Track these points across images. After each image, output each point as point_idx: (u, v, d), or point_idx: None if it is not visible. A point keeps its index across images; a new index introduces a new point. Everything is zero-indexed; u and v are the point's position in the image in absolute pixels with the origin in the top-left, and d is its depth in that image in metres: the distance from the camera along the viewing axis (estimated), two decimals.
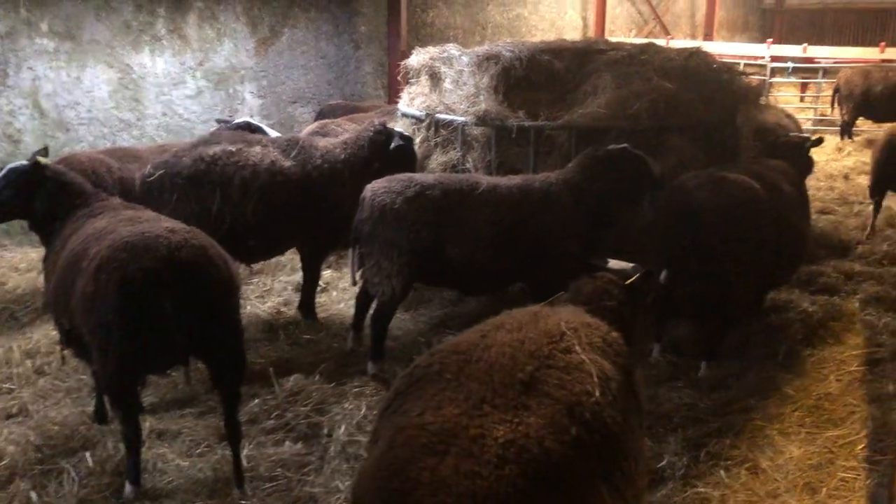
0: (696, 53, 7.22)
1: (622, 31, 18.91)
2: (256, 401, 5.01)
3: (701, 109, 6.52)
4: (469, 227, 5.38)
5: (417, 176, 5.63)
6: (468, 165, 6.61)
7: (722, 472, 4.31)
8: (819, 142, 6.82)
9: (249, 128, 7.13)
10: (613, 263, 3.76)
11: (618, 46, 7.46)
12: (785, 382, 5.30)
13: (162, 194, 5.85)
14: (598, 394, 2.71)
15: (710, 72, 6.96)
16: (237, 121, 7.45)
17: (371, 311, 5.71)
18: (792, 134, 7.29)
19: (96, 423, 4.77)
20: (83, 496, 4.08)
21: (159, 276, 3.71)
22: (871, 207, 8.77)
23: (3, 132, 8.13)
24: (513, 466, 2.31)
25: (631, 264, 3.73)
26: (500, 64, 6.72)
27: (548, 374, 2.68)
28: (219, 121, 7.96)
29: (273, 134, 7.09)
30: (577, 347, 2.85)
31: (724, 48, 17.52)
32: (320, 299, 6.88)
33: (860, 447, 4.51)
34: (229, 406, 4.14)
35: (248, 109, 10.47)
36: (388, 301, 5.47)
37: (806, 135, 7.23)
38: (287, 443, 4.60)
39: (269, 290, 7.21)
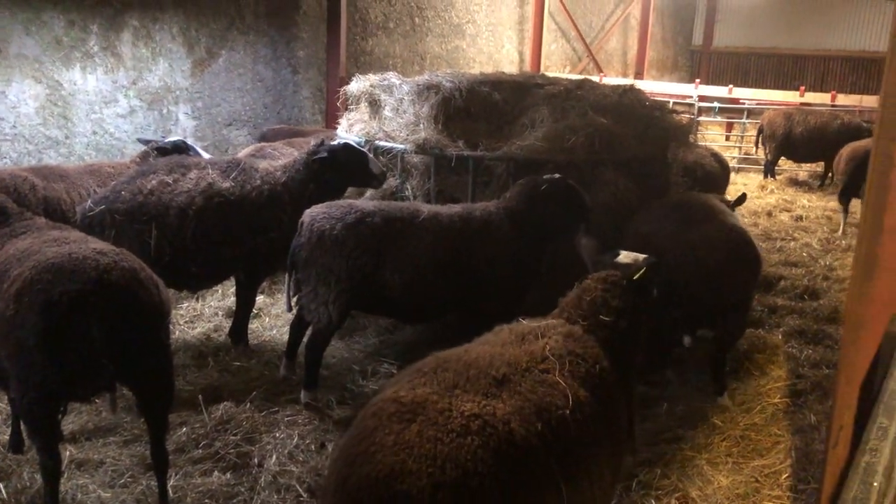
0: (629, 91, 7.43)
1: (557, 67, 19.33)
2: (184, 429, 4.87)
3: (634, 145, 6.68)
4: (409, 254, 5.37)
5: (358, 202, 5.61)
6: (407, 193, 6.62)
7: (653, 502, 4.37)
8: (742, 200, 7.12)
9: (179, 148, 6.99)
10: (624, 256, 3.80)
11: (555, 81, 7.61)
12: (713, 413, 5.42)
13: (102, 230, 5.69)
14: (568, 410, 2.87)
15: (643, 109, 7.16)
16: (169, 139, 7.29)
17: (306, 338, 5.62)
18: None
19: (11, 452, 4.55)
20: None
21: (87, 300, 3.58)
22: (791, 243, 9.20)
23: None
24: (475, 437, 2.52)
25: (642, 256, 3.77)
26: (441, 94, 6.77)
27: (523, 379, 2.91)
28: (141, 140, 7.78)
29: (205, 154, 6.98)
30: (558, 372, 3.03)
31: (655, 87, 18.08)
32: (252, 325, 6.75)
33: (784, 476, 4.64)
34: (156, 434, 4.01)
35: (182, 130, 10.28)
36: (325, 328, 5.40)
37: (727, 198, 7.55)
38: (216, 473, 4.47)
39: (198, 315, 7.04)
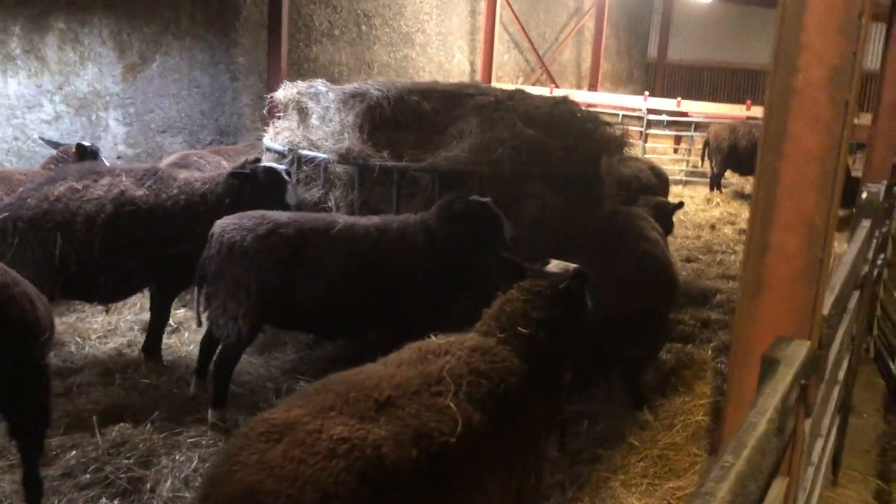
0: (562, 102, 7.33)
1: (510, 78, 19.30)
2: (74, 452, 4.59)
3: (563, 157, 6.57)
4: (323, 267, 5.19)
5: (271, 213, 5.40)
6: (330, 204, 6.43)
7: None
8: (680, 206, 7.04)
9: (85, 150, 6.76)
10: (554, 265, 3.63)
11: (487, 91, 7.48)
12: (633, 432, 5.30)
13: (5, 238, 5.43)
14: (454, 438, 2.69)
15: (575, 120, 7.06)
16: (85, 143, 7.06)
17: (216, 355, 5.40)
18: (660, 199, 7.47)
19: None
20: None
21: None
22: (731, 257, 9.23)
23: None
24: (340, 461, 2.43)
25: (573, 265, 3.60)
26: (366, 102, 6.60)
27: (408, 403, 2.78)
28: (45, 140, 7.52)
29: (105, 162, 6.78)
30: (451, 396, 2.90)
31: (606, 99, 18.14)
32: (169, 340, 6.50)
33: None
34: (28, 460, 3.78)
35: (113, 137, 9.97)
36: (234, 345, 5.18)
37: (665, 200, 7.46)
38: (103, 499, 4.21)
39: (113, 329, 6.75)
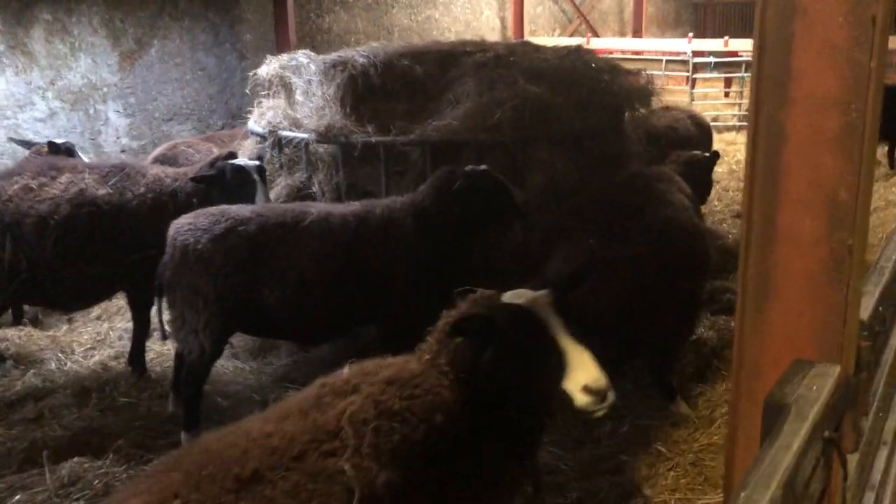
0: (573, 52, 6.49)
1: (545, 31, 18.25)
2: (19, 496, 4.09)
3: (575, 116, 5.75)
4: (291, 266, 4.55)
5: (233, 209, 4.77)
6: (314, 189, 5.78)
7: None
8: (715, 157, 6.15)
9: (58, 149, 6.27)
10: (512, 295, 2.57)
11: (488, 47, 6.66)
12: (665, 433, 4.55)
13: None
14: None
15: (588, 72, 6.21)
16: (58, 141, 6.59)
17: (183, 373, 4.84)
18: (693, 153, 6.55)
19: None
20: None
21: None
22: None
23: None
24: None
25: (536, 293, 2.55)
26: (348, 71, 5.89)
27: (283, 477, 2.11)
28: (15, 140, 7.07)
29: (84, 158, 6.26)
30: (348, 455, 2.21)
31: (648, 45, 16.98)
32: (161, 349, 6.00)
33: None
34: None
35: (115, 130, 9.52)
36: (197, 360, 4.60)
37: (698, 153, 6.53)
38: None
39: (102, 339, 6.29)
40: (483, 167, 4.85)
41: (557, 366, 2.35)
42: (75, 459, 4.36)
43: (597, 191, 5.44)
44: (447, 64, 6.29)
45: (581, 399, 2.32)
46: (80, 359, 5.90)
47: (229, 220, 4.58)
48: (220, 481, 2.01)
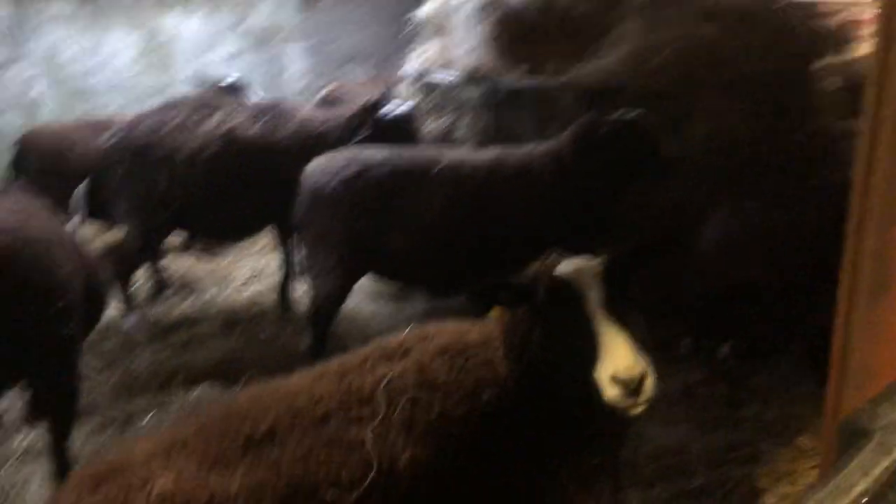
0: None
1: None
2: (153, 413, 4.32)
3: (751, 61, 5.10)
4: (419, 214, 4.42)
5: (366, 152, 4.69)
6: (460, 133, 5.59)
7: None
8: None
9: (232, 88, 6.50)
10: (566, 265, 2.22)
11: None
12: (815, 426, 4.00)
13: (112, 165, 5.37)
14: (354, 494, 1.91)
15: (771, 10, 5.46)
16: (227, 82, 6.84)
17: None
18: None
19: None
20: None
21: None
22: None
23: (18, 102, 7.87)
24: None
25: (593, 261, 2.20)
26: (503, 9, 5.58)
27: (298, 442, 1.97)
28: (194, 78, 7.39)
29: (255, 97, 6.46)
30: (375, 425, 2.03)
31: None
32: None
33: None
34: (54, 438, 3.49)
35: (295, 71, 9.81)
36: (324, 302, 4.62)
37: None
38: None
39: (258, 273, 6.56)
40: (632, 116, 4.42)
41: (589, 349, 2.00)
42: (202, 385, 4.55)
43: (769, 148, 4.83)
44: (611, 2, 5.79)
45: (610, 391, 1.95)
46: (235, 291, 6.18)
47: (360, 163, 4.50)
48: (231, 437, 1.92)
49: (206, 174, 5.24)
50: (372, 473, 1.89)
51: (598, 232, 4.54)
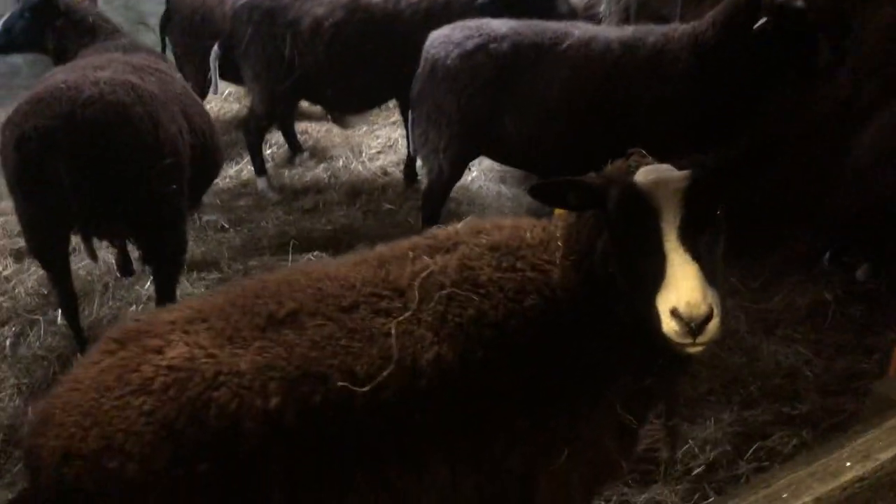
0: None
1: None
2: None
3: None
4: (538, 93, 4.17)
5: (493, 24, 4.41)
6: (601, 9, 5.16)
7: None
8: None
9: None
10: (645, 171, 1.92)
11: None
12: None
13: (241, 25, 5.43)
14: (365, 388, 1.80)
15: None
16: None
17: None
18: None
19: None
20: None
21: (54, 136, 3.23)
22: None
23: None
24: (150, 400, 1.71)
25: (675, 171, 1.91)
26: None
27: (318, 327, 1.89)
28: None
29: None
30: (404, 317, 1.92)
31: None
32: None
33: None
34: (159, 289, 3.71)
35: None
36: (435, 181, 4.53)
37: None
38: None
39: (391, 145, 6.55)
40: (799, 3, 3.83)
41: (655, 274, 1.75)
42: (315, 253, 4.66)
43: None
44: None
45: (668, 324, 1.71)
46: (366, 160, 6.22)
47: (483, 35, 4.27)
48: (253, 315, 1.88)
49: (330, 42, 5.19)
50: (390, 367, 1.82)
51: (730, 134, 4.12)
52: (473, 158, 4.62)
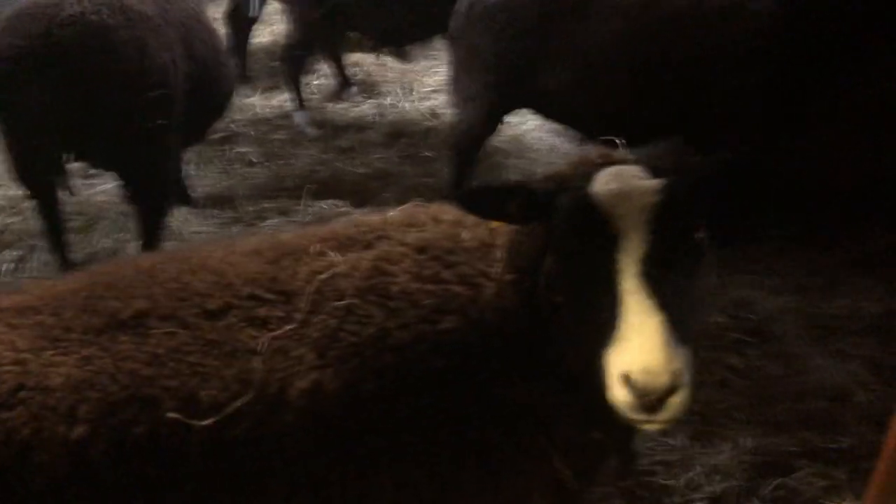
0: None
1: None
2: (275, 220, 4.19)
3: None
4: (583, 44, 3.65)
5: None
6: None
7: None
8: None
9: None
10: (607, 175, 1.51)
11: None
12: None
13: None
14: (206, 421, 1.44)
15: None
16: None
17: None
18: None
19: None
20: None
21: (26, 57, 2.99)
22: None
23: None
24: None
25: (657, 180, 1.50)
26: None
27: (165, 336, 1.52)
28: None
29: None
30: (280, 333, 1.53)
31: None
32: None
33: None
34: (141, 232, 3.47)
35: None
36: (465, 134, 4.10)
37: None
38: None
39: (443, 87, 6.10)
40: None
41: (605, 320, 1.33)
42: (330, 201, 4.33)
43: None
44: None
45: (617, 392, 1.30)
46: (416, 100, 5.82)
47: None
48: (93, 312, 1.53)
49: None
50: (247, 396, 1.43)
51: (805, 111, 3.53)
52: (509, 111, 4.15)
